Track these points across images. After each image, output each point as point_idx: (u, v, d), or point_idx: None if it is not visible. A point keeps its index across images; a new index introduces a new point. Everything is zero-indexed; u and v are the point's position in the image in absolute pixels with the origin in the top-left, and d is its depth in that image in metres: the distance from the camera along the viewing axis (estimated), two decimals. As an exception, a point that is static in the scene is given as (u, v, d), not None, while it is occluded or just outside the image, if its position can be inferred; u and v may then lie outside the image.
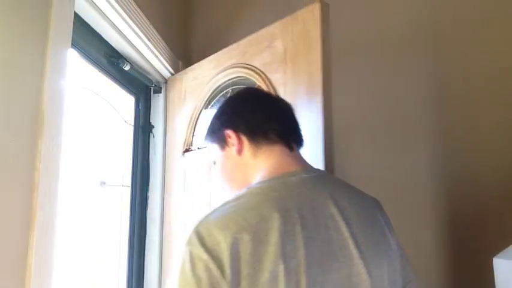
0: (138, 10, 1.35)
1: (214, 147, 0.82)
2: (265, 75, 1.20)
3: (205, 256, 0.57)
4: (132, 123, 1.59)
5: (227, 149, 0.79)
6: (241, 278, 0.55)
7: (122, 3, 1.22)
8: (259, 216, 0.60)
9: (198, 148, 1.49)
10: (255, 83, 1.25)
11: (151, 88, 1.68)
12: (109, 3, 1.18)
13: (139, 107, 1.61)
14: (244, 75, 1.31)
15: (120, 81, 1.48)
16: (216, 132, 0.80)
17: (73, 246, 1.32)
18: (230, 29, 1.85)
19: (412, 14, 1.54)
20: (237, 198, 0.65)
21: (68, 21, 0.96)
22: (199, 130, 1.52)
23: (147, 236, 1.57)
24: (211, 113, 1.46)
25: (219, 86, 1.44)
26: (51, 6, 0.89)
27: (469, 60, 1.45)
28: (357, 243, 0.65)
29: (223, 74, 1.40)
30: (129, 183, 1.56)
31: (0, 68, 0.75)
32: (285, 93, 1.10)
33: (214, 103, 1.51)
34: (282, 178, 0.68)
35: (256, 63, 1.25)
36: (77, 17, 1.10)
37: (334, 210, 0.66)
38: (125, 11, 1.25)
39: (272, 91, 1.14)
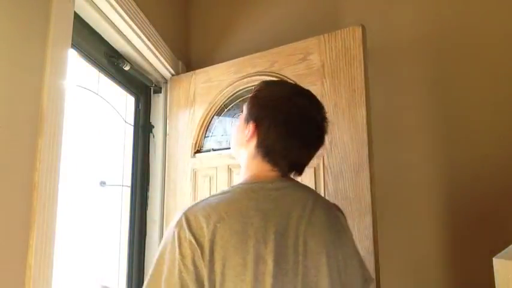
0: (138, 10, 1.35)
1: (244, 114, 0.88)
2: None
3: (190, 238, 0.68)
4: (132, 123, 1.59)
5: (243, 128, 0.85)
6: (215, 259, 0.66)
7: (121, 3, 1.22)
8: (237, 210, 0.71)
9: (213, 150, 1.50)
10: None
11: (151, 88, 1.68)
12: (109, 3, 1.18)
13: (140, 107, 1.61)
14: None
15: (120, 81, 1.48)
16: (248, 112, 0.86)
17: (73, 246, 1.32)
18: (231, 30, 1.85)
19: (413, 16, 1.55)
20: (222, 193, 0.77)
21: (68, 21, 0.96)
22: (212, 132, 1.55)
23: (147, 236, 1.57)
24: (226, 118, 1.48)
25: (239, 91, 1.48)
26: (51, 6, 0.89)
27: (471, 62, 1.45)
28: (315, 243, 0.75)
29: (246, 80, 1.46)
30: (129, 183, 1.56)
31: (1, 68, 0.75)
32: (323, 103, 1.17)
33: (232, 107, 1.52)
34: (262, 184, 0.78)
35: (288, 73, 1.35)
36: (77, 17, 1.10)
37: (300, 214, 0.76)
38: (124, 11, 1.25)
39: None
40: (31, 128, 0.82)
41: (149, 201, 1.60)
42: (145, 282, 0.70)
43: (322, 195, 1.23)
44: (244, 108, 0.88)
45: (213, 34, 1.88)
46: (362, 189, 1.17)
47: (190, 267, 0.66)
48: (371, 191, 1.16)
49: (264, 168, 0.81)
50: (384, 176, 1.45)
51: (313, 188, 1.24)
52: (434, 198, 1.42)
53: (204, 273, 0.66)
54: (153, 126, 1.66)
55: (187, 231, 0.68)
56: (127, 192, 1.55)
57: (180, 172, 1.57)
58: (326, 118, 0.85)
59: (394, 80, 1.53)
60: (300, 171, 0.85)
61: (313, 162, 1.26)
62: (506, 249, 0.91)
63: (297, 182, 0.86)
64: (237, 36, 1.83)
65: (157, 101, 1.68)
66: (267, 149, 0.80)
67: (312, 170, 1.28)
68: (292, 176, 0.85)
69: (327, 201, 0.89)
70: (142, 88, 1.64)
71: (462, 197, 1.39)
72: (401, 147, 1.49)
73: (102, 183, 1.54)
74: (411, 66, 1.52)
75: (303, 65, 1.34)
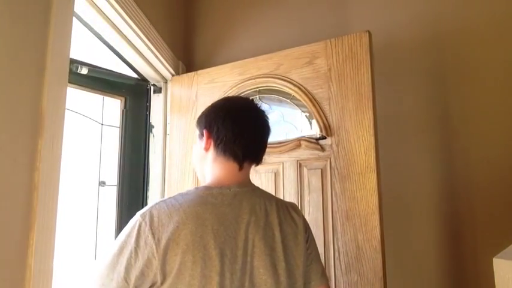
0: (139, 10, 1.35)
1: (197, 133, 0.98)
2: (305, 88, 1.35)
3: (149, 233, 0.75)
4: (113, 125, 1.58)
5: (199, 140, 0.96)
6: (169, 256, 0.74)
7: (121, 3, 1.22)
8: (195, 213, 0.79)
9: None
10: (290, 95, 1.40)
11: (151, 88, 1.68)
12: (109, 3, 1.18)
13: (127, 108, 1.60)
14: (278, 85, 1.42)
15: (92, 87, 1.44)
16: (199, 125, 0.96)
17: (73, 246, 1.32)
18: (232, 31, 1.85)
19: (414, 20, 1.55)
20: (186, 194, 0.85)
21: (68, 21, 0.96)
22: None
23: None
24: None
25: (244, 92, 1.49)
26: (51, 6, 0.89)
27: (473, 63, 1.45)
28: (264, 244, 0.83)
29: (251, 81, 1.47)
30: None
31: (1, 68, 0.75)
32: (329, 107, 1.31)
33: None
34: (221, 189, 0.86)
35: (295, 76, 1.38)
36: (77, 17, 1.10)
37: (252, 218, 0.84)
38: (124, 11, 1.24)
39: (313, 103, 1.33)
40: (31, 128, 0.82)
41: (149, 201, 1.60)
42: (99, 257, 0.77)
43: (329, 195, 1.26)
44: (197, 130, 0.98)
45: (214, 35, 1.88)
46: (369, 191, 1.19)
47: (140, 257, 0.74)
48: (378, 192, 1.19)
49: (225, 167, 0.90)
50: (385, 177, 1.45)
51: (320, 188, 1.28)
52: (435, 198, 1.43)
53: (154, 267, 0.74)
54: (153, 126, 1.66)
55: (148, 226, 0.76)
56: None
57: (182, 172, 1.57)
58: (264, 110, 0.97)
59: (395, 82, 1.53)
60: (257, 159, 0.94)
61: (320, 163, 1.30)
62: (506, 249, 0.91)
63: (256, 187, 0.94)
64: (238, 38, 1.83)
65: (157, 101, 1.68)
66: (224, 144, 0.89)
67: (319, 171, 1.29)
68: (254, 167, 0.94)
69: (283, 203, 0.95)
70: (132, 89, 1.62)
71: (463, 197, 1.39)
72: (402, 148, 1.49)
73: (102, 183, 1.54)
74: (412, 68, 1.53)
75: (309, 68, 1.36)
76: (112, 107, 1.59)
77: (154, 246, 0.74)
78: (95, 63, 1.43)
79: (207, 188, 0.87)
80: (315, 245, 0.97)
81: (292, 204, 0.97)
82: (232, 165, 0.90)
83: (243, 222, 0.83)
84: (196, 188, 0.87)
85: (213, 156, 0.91)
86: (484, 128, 1.40)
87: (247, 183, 0.93)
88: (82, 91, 1.45)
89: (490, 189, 1.36)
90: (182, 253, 0.74)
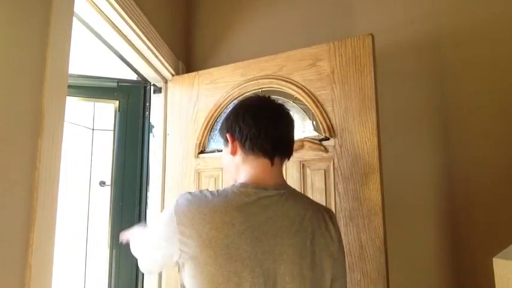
0: (139, 10, 1.35)
1: (222, 141, 0.98)
2: (308, 90, 1.37)
3: (175, 223, 0.79)
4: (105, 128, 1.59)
5: (225, 147, 0.95)
6: (193, 247, 0.76)
7: (121, 3, 1.22)
8: (224, 209, 0.79)
9: (218, 151, 1.50)
10: (293, 96, 1.41)
11: (151, 88, 1.68)
12: (109, 3, 1.18)
13: (119, 111, 1.60)
14: (281, 87, 1.43)
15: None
16: (222, 132, 0.96)
17: (73, 246, 1.32)
18: (233, 32, 1.85)
19: (414, 21, 1.55)
20: (218, 191, 0.85)
21: (68, 21, 0.96)
22: (217, 133, 1.54)
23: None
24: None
25: (246, 93, 1.49)
26: (51, 6, 0.89)
27: (473, 62, 1.45)
28: (292, 252, 0.80)
29: (254, 82, 1.48)
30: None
31: (1, 67, 0.75)
32: (333, 108, 1.33)
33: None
34: (256, 189, 0.84)
35: (298, 78, 1.40)
36: (77, 17, 1.10)
37: (284, 223, 0.82)
38: (124, 11, 1.24)
39: (317, 104, 1.34)
40: (31, 128, 0.82)
41: (149, 201, 1.60)
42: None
43: (333, 195, 1.27)
44: (222, 137, 0.98)
45: (214, 35, 1.88)
46: (373, 191, 1.21)
47: (167, 243, 0.80)
48: (381, 192, 1.20)
49: (257, 164, 0.88)
50: (384, 176, 1.45)
51: (323, 189, 1.29)
52: (435, 198, 1.43)
53: (179, 254, 0.78)
54: (153, 126, 1.66)
55: (178, 216, 0.79)
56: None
57: (182, 172, 1.56)
58: (282, 104, 0.95)
59: (395, 82, 1.54)
60: (287, 152, 0.92)
61: (323, 164, 1.31)
62: (506, 249, 0.91)
63: (293, 189, 0.91)
64: (238, 39, 1.83)
65: (157, 101, 1.68)
66: (250, 141, 0.88)
67: (322, 171, 1.30)
68: (285, 163, 0.94)
69: (319, 209, 0.92)
70: (127, 91, 1.62)
71: (463, 197, 1.40)
72: (403, 148, 1.49)
73: (102, 183, 1.54)
74: (412, 68, 1.53)
75: (312, 70, 1.38)
76: (109, 110, 1.60)
77: (179, 236, 0.78)
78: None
79: (243, 185, 0.85)
80: (344, 260, 0.93)
81: (328, 211, 0.94)
82: (264, 161, 0.88)
83: (274, 226, 0.81)
84: (233, 185, 0.87)
85: (242, 158, 0.90)
86: (485, 128, 1.40)
87: (283, 184, 0.90)
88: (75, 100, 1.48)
89: (491, 189, 1.36)
90: (205, 247, 0.75)
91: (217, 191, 0.84)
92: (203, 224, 0.77)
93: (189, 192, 0.85)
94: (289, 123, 0.94)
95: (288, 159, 0.94)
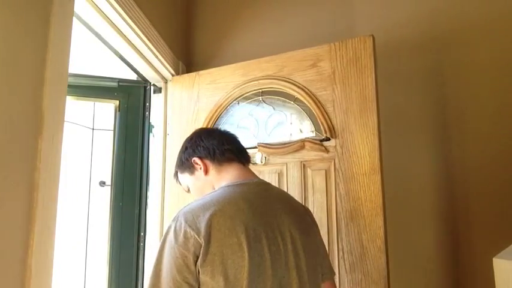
0: (139, 10, 1.34)
1: (186, 175, 1.02)
2: (309, 90, 1.38)
3: (187, 228, 0.77)
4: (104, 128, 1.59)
5: (196, 173, 0.98)
6: (212, 240, 0.76)
7: (121, 3, 1.22)
8: (228, 200, 0.82)
9: None
10: (294, 96, 1.42)
11: (151, 88, 1.68)
12: (109, 3, 1.18)
13: (119, 111, 1.59)
14: (282, 87, 1.44)
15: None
16: (185, 163, 1.00)
17: (73, 245, 1.32)
18: (233, 32, 1.85)
19: (414, 21, 1.55)
20: (211, 193, 0.88)
21: (68, 21, 0.96)
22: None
23: (146, 236, 1.57)
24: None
25: (247, 93, 1.49)
26: (52, 7, 0.89)
27: (473, 63, 1.46)
28: (292, 231, 0.87)
29: (254, 83, 1.49)
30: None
31: (1, 68, 0.75)
32: (333, 109, 1.33)
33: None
34: (244, 181, 0.91)
35: (298, 79, 1.40)
36: (77, 17, 1.10)
37: (278, 205, 0.90)
38: (125, 11, 1.24)
39: (318, 105, 1.35)
40: (31, 128, 0.82)
41: (149, 201, 1.60)
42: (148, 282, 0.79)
43: (333, 196, 1.28)
44: (184, 175, 1.02)
45: (214, 35, 1.88)
46: (374, 191, 1.21)
47: (186, 252, 0.76)
48: (382, 193, 1.21)
49: (232, 168, 0.94)
50: (384, 176, 1.45)
51: (324, 189, 1.31)
52: (435, 198, 1.43)
53: (199, 254, 0.75)
54: (153, 126, 1.66)
55: (184, 223, 0.78)
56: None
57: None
58: None
59: (395, 82, 1.54)
60: (247, 157, 1.00)
61: (324, 164, 1.32)
62: (506, 249, 0.91)
63: (269, 183, 0.99)
64: (239, 40, 1.83)
65: (157, 101, 1.68)
66: (218, 150, 0.95)
67: (323, 172, 1.31)
68: (249, 165, 1.01)
69: (292, 197, 1.02)
70: (127, 91, 1.62)
71: (463, 197, 1.40)
72: (403, 148, 1.49)
73: (102, 183, 1.54)
74: (412, 68, 1.53)
75: (313, 71, 1.38)
76: (109, 109, 1.60)
77: (195, 236, 0.76)
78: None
79: (230, 184, 0.90)
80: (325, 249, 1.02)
81: (301, 203, 1.05)
82: (237, 164, 0.95)
83: (273, 209, 0.87)
84: (219, 187, 0.91)
85: (216, 170, 0.95)
86: (485, 128, 1.40)
87: (261, 179, 0.98)
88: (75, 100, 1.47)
89: (491, 189, 1.36)
90: (225, 237, 0.77)
91: (208, 194, 0.88)
92: (216, 219, 0.78)
93: (185, 207, 0.84)
94: (236, 136, 1.03)
95: (249, 164, 1.01)
